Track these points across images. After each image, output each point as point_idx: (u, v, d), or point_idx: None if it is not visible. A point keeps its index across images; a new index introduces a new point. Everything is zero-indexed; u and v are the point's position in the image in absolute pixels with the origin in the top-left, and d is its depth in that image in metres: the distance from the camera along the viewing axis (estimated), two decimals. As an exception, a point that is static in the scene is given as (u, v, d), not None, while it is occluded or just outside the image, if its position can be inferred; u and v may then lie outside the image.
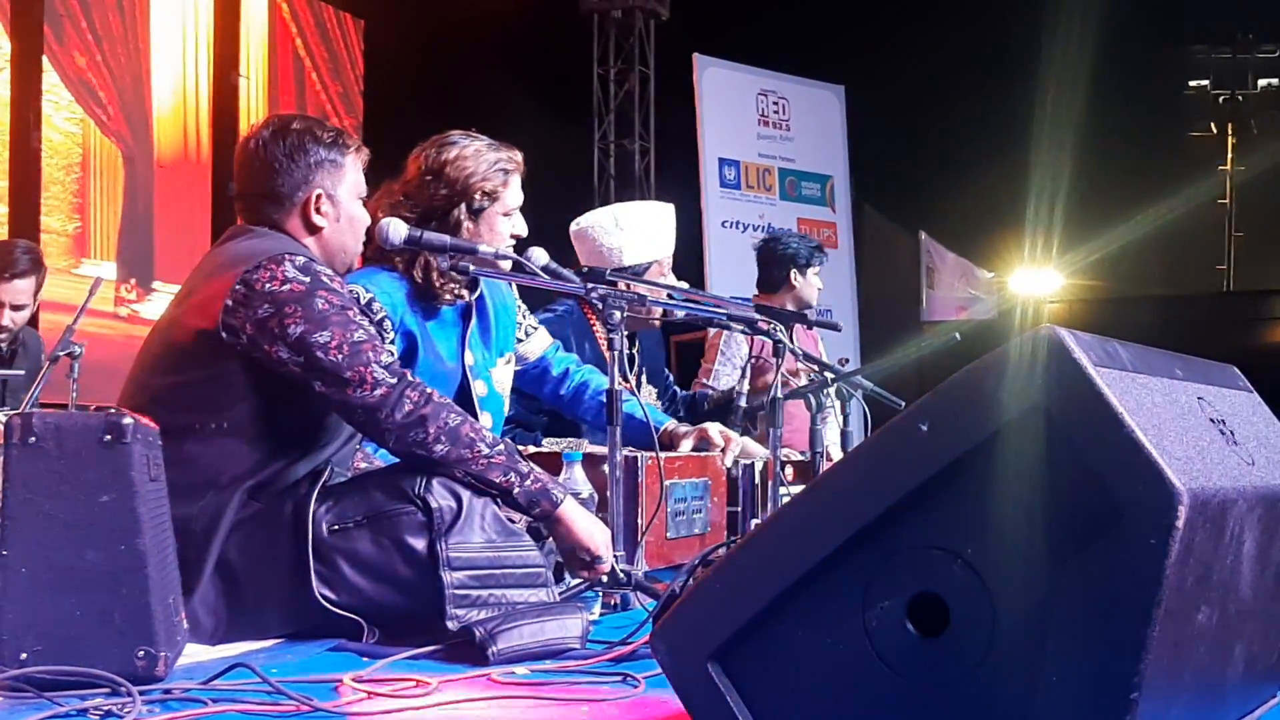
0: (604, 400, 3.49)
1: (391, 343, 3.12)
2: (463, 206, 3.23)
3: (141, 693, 1.89)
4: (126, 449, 2.01)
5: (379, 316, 3.11)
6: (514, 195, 3.30)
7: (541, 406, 3.87)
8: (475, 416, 3.10)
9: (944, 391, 1.55)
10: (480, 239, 3.21)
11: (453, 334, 3.28)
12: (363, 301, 3.10)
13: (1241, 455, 1.69)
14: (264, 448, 2.54)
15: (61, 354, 4.71)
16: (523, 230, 3.32)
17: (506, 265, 3.14)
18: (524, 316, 3.60)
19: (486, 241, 3.20)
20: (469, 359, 3.28)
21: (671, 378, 4.58)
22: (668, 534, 3.27)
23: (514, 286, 3.55)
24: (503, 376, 3.41)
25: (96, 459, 2.00)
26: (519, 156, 3.33)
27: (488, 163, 3.26)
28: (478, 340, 3.33)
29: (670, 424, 3.66)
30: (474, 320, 3.32)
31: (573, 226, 4.18)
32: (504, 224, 3.29)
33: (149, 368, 2.61)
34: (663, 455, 3.25)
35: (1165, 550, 1.40)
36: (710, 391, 4.81)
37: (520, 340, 3.55)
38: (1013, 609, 1.50)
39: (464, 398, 3.24)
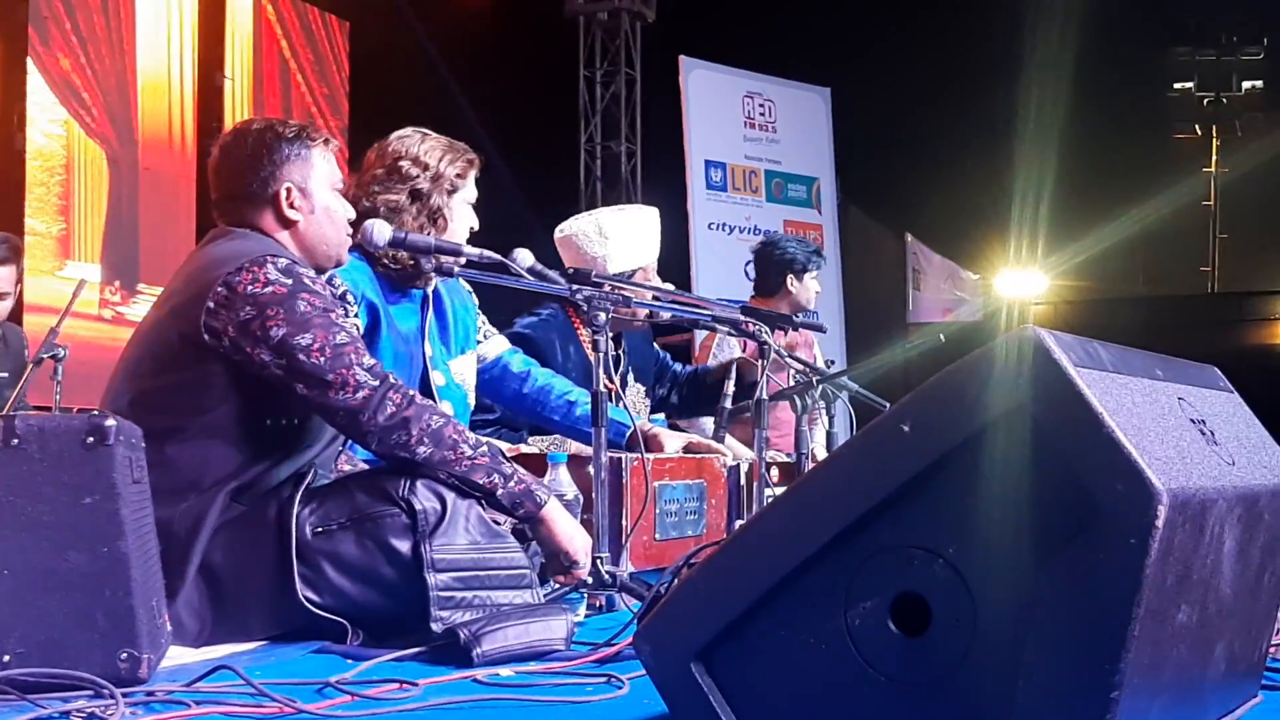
0: (571, 401, 3.51)
1: (356, 315, 3.13)
2: (445, 195, 3.27)
3: (124, 695, 1.89)
4: (109, 451, 2.01)
5: (340, 290, 3.12)
6: (471, 187, 3.36)
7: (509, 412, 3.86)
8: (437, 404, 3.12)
9: (926, 392, 1.56)
10: (450, 230, 3.27)
11: (413, 320, 3.30)
12: (322, 277, 3.12)
13: (1222, 455, 1.70)
14: (246, 450, 2.54)
15: (45, 356, 4.70)
16: (475, 224, 3.36)
17: (461, 260, 3.16)
18: (483, 322, 3.61)
19: (453, 233, 3.24)
20: (428, 350, 3.30)
21: (668, 356, 4.54)
22: (657, 536, 3.27)
23: (474, 293, 3.56)
24: (464, 370, 3.42)
25: (79, 461, 2.00)
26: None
27: (454, 153, 3.32)
28: (435, 333, 3.35)
29: (644, 424, 3.65)
30: (430, 312, 3.34)
31: (557, 233, 4.18)
32: (466, 214, 3.34)
33: (131, 370, 2.61)
34: (650, 456, 3.25)
35: (1145, 550, 1.41)
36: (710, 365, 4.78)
37: (479, 341, 3.56)
38: (994, 609, 1.50)
39: (424, 386, 3.25)
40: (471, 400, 3.47)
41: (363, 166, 3.34)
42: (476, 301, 3.60)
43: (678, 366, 4.50)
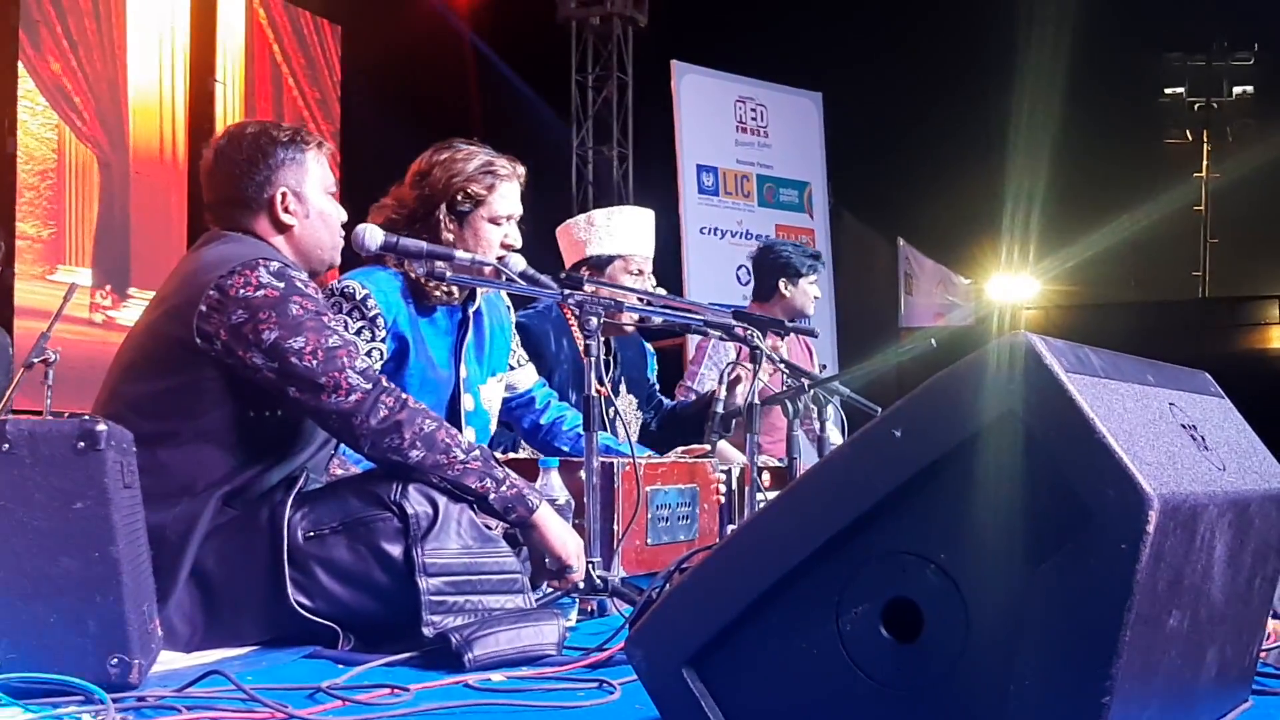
0: (580, 434, 3.46)
1: (383, 340, 3.12)
2: (444, 207, 3.21)
3: (115, 700, 1.89)
4: (100, 456, 2.00)
5: (373, 314, 3.10)
6: (502, 202, 3.27)
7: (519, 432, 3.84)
8: (460, 429, 3.09)
9: (918, 397, 1.56)
10: (465, 244, 3.20)
11: (446, 342, 3.26)
12: (358, 298, 3.10)
13: (1212, 461, 1.70)
14: (238, 454, 2.54)
15: (36, 360, 4.69)
16: (516, 241, 3.29)
17: (486, 272, 3.14)
18: (517, 345, 3.59)
19: (472, 248, 3.18)
20: (463, 372, 3.27)
21: (657, 387, 4.58)
22: (649, 540, 3.27)
23: (512, 310, 3.55)
24: (491, 395, 3.39)
25: (70, 466, 1.99)
26: (518, 167, 3.31)
27: (476, 166, 3.24)
28: (472, 354, 3.31)
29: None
30: (470, 333, 3.30)
31: (559, 229, 4.26)
32: (491, 231, 3.25)
33: (123, 374, 2.60)
34: (643, 460, 3.25)
35: (1136, 555, 1.41)
36: (689, 398, 4.80)
37: (512, 368, 3.53)
38: (986, 614, 1.51)
39: (452, 409, 3.23)
40: (494, 426, 3.44)
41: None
42: (513, 319, 3.58)
43: (664, 399, 4.52)
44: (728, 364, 4.44)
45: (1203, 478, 1.61)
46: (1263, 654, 2.09)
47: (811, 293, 5.23)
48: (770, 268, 5.25)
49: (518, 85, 11.41)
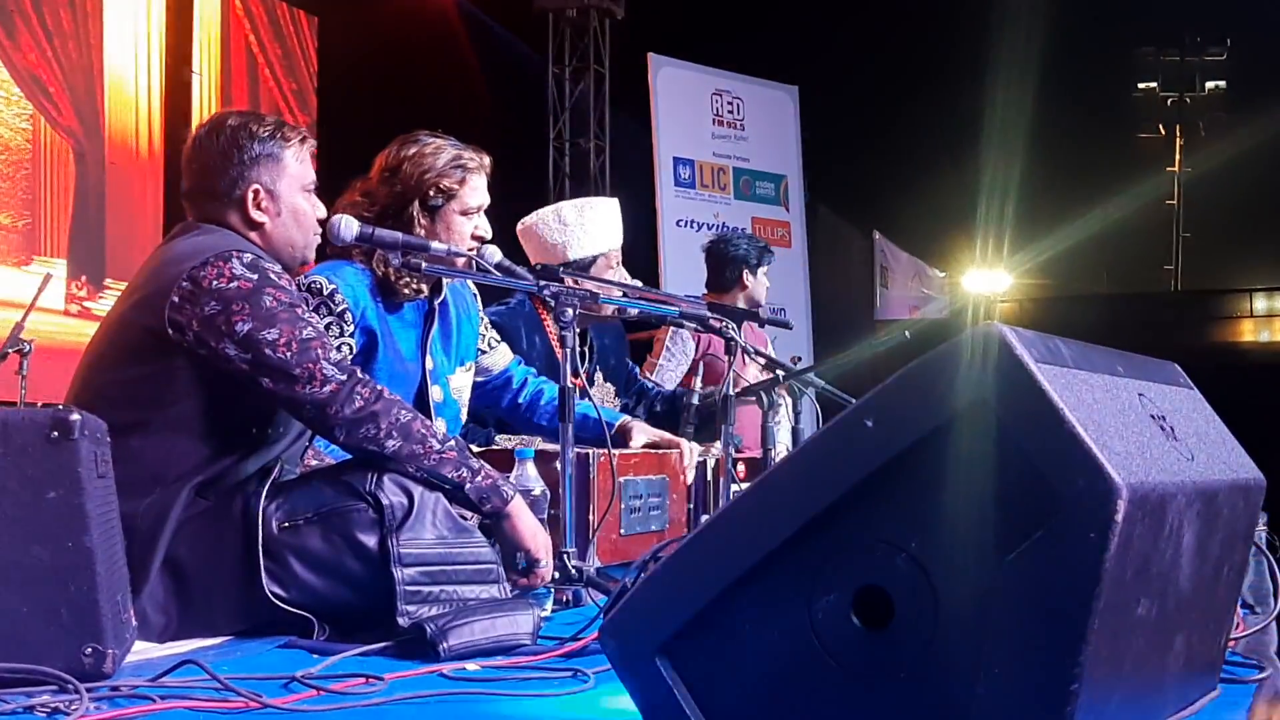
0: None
1: (351, 335, 3.11)
2: (417, 203, 3.21)
3: (89, 690, 1.88)
4: (74, 445, 2.00)
5: (340, 309, 3.09)
6: (473, 195, 3.28)
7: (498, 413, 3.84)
8: (430, 420, 3.09)
9: (889, 387, 1.57)
10: (437, 238, 3.20)
11: (413, 334, 3.26)
12: (325, 293, 3.09)
13: (1181, 451, 1.71)
14: (211, 444, 2.53)
15: (10, 351, 4.68)
16: (486, 232, 3.29)
17: (460, 263, 3.14)
18: (486, 329, 3.58)
19: (444, 241, 3.18)
20: (429, 363, 3.27)
21: (637, 370, 4.57)
22: (623, 531, 3.28)
23: (479, 298, 3.55)
24: (460, 384, 3.39)
25: (43, 455, 1.98)
26: (484, 158, 3.31)
27: (446, 160, 3.24)
28: (438, 345, 3.31)
29: (624, 419, 3.65)
30: (435, 324, 3.30)
31: (519, 226, 4.18)
32: (463, 224, 3.26)
33: (95, 364, 2.60)
34: (616, 452, 3.25)
35: (1104, 544, 1.42)
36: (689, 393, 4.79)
37: (484, 352, 3.53)
38: (956, 602, 1.51)
39: (421, 401, 3.23)
40: (464, 416, 3.44)
41: (370, 170, 3.30)
42: (481, 306, 3.58)
43: (648, 384, 4.51)
44: (699, 354, 4.45)
45: (1171, 467, 1.62)
46: (1231, 643, 2.11)
47: (765, 283, 5.35)
48: (730, 260, 5.33)
49: (494, 76, 11.39)
